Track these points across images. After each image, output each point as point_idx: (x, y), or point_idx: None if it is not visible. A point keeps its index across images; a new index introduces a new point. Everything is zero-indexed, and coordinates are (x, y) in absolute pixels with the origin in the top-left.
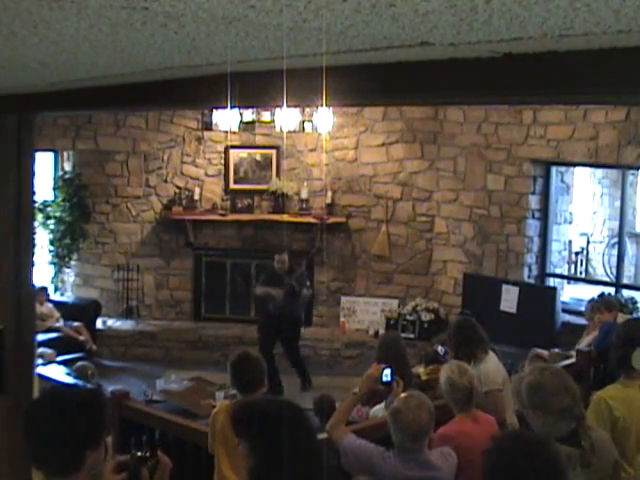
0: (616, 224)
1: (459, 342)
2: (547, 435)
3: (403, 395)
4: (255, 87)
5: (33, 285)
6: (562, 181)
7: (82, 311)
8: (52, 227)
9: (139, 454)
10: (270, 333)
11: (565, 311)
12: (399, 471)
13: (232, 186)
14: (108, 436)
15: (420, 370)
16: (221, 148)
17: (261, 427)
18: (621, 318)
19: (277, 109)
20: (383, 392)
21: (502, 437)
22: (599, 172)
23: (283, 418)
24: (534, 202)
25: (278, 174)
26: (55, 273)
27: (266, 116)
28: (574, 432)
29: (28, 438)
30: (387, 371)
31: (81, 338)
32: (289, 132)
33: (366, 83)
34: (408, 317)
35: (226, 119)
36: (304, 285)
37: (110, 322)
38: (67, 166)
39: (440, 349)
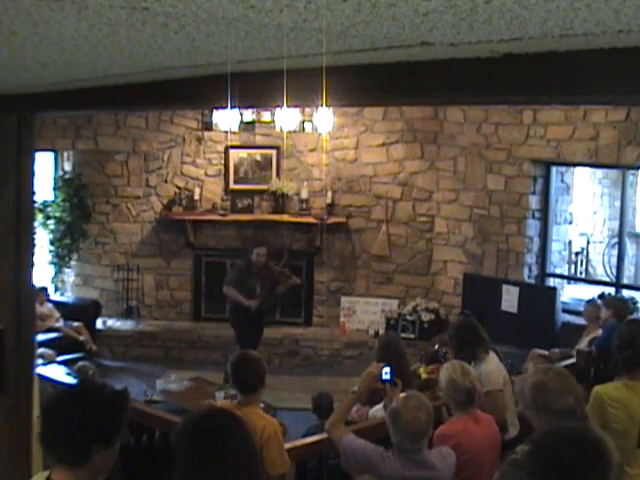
0: (616, 224)
1: (460, 342)
2: None
3: (402, 395)
4: (255, 87)
5: (33, 285)
6: (562, 181)
7: (82, 311)
8: (52, 227)
9: None
10: (246, 329)
11: (565, 311)
12: (398, 471)
13: (232, 186)
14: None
15: (420, 369)
16: (221, 148)
17: (194, 436)
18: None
19: (277, 109)
20: (383, 391)
21: (545, 434)
22: (599, 172)
23: (216, 426)
24: (534, 202)
25: (278, 174)
26: (55, 273)
27: (266, 116)
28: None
29: (42, 423)
30: (386, 369)
31: (81, 338)
32: (289, 132)
33: (366, 83)
34: (408, 317)
35: (226, 119)
36: (288, 277)
37: (110, 322)
38: (67, 166)
39: (441, 349)
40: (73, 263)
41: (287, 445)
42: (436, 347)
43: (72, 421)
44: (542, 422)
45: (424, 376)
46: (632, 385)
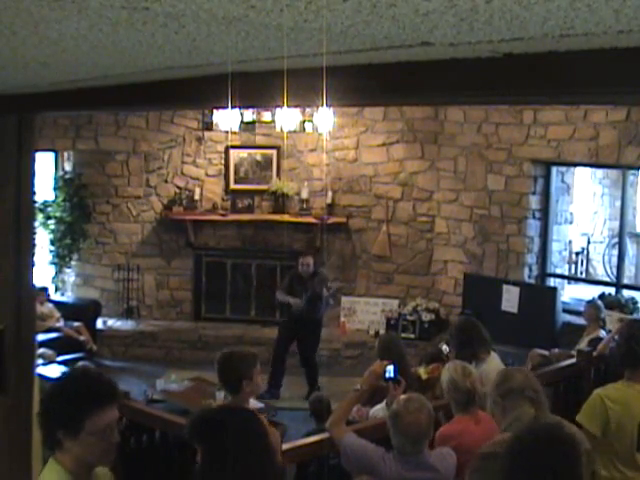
0: (616, 224)
1: (461, 342)
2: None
3: (403, 397)
4: (255, 87)
5: (33, 285)
6: (562, 181)
7: (82, 311)
8: (52, 227)
9: None
10: (288, 334)
11: (565, 311)
12: (399, 473)
13: (232, 186)
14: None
15: (420, 370)
16: (221, 148)
17: (213, 433)
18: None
19: (277, 109)
20: (385, 390)
21: (521, 434)
22: (599, 172)
23: (234, 424)
24: (534, 202)
25: (278, 174)
26: (55, 273)
27: (266, 116)
28: (535, 419)
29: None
30: (390, 367)
31: (81, 338)
32: (289, 132)
33: (366, 83)
34: (408, 317)
35: (226, 119)
36: (326, 288)
37: (110, 322)
38: (67, 166)
39: (444, 348)
40: (73, 263)
41: (287, 445)
42: (440, 346)
43: (40, 407)
44: (498, 410)
45: (424, 376)
46: (632, 385)
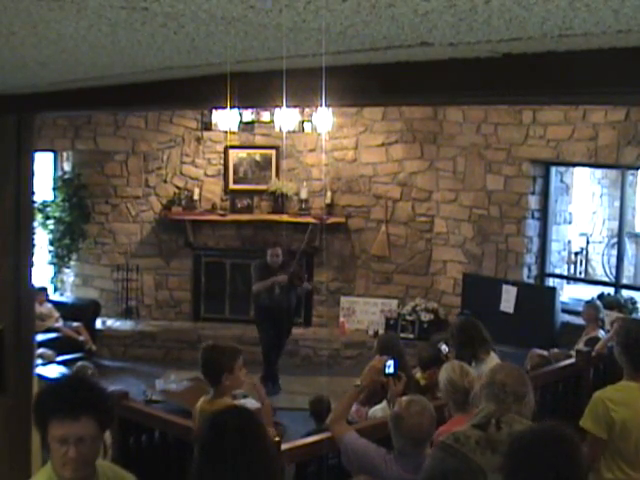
0: (615, 224)
1: (461, 342)
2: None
3: (405, 399)
4: (254, 87)
5: (33, 285)
6: (562, 181)
7: (81, 311)
8: (51, 227)
9: None
10: (269, 329)
11: (565, 311)
12: (400, 474)
13: (231, 186)
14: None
15: (417, 375)
16: (220, 148)
17: (212, 433)
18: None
19: (277, 109)
20: (386, 384)
21: (521, 435)
22: (598, 172)
23: (233, 424)
24: (534, 202)
25: (277, 174)
26: (55, 273)
27: (266, 116)
28: (487, 416)
29: None
30: (390, 362)
31: (80, 338)
32: (288, 132)
33: (366, 83)
34: (408, 317)
35: (226, 119)
36: (303, 279)
37: (110, 322)
38: (66, 166)
39: (444, 348)
40: (72, 263)
41: (287, 445)
42: (440, 346)
43: None
44: (477, 399)
45: (422, 382)
46: (632, 386)
